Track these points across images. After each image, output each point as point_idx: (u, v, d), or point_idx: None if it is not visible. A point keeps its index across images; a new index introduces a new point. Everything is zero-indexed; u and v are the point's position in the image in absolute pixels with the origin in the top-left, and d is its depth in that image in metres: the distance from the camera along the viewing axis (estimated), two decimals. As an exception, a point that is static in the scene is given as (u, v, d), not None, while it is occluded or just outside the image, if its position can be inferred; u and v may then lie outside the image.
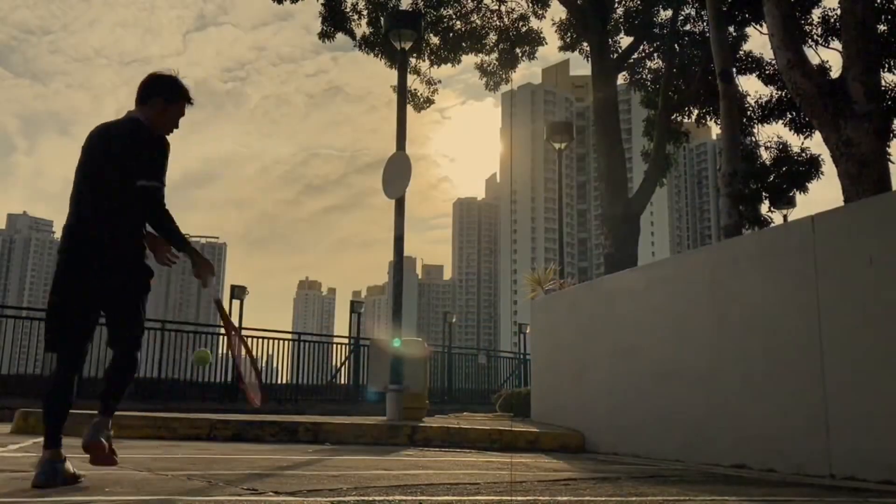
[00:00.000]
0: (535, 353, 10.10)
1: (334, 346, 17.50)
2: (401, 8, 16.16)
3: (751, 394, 5.92)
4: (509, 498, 3.12)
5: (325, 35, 15.35)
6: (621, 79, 15.70)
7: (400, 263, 8.41)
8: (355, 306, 17.41)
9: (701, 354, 6.50)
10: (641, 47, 15.78)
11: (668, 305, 7.02)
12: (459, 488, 3.44)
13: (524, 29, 18.08)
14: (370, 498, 2.91)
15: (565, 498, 3.21)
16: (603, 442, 7.65)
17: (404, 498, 2.98)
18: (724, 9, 9.34)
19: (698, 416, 6.44)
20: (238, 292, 15.62)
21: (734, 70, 10.20)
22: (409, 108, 18.03)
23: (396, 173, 8.67)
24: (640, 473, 4.96)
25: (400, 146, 8.96)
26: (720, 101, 8.35)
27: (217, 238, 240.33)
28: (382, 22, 14.97)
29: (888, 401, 4.81)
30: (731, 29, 13.61)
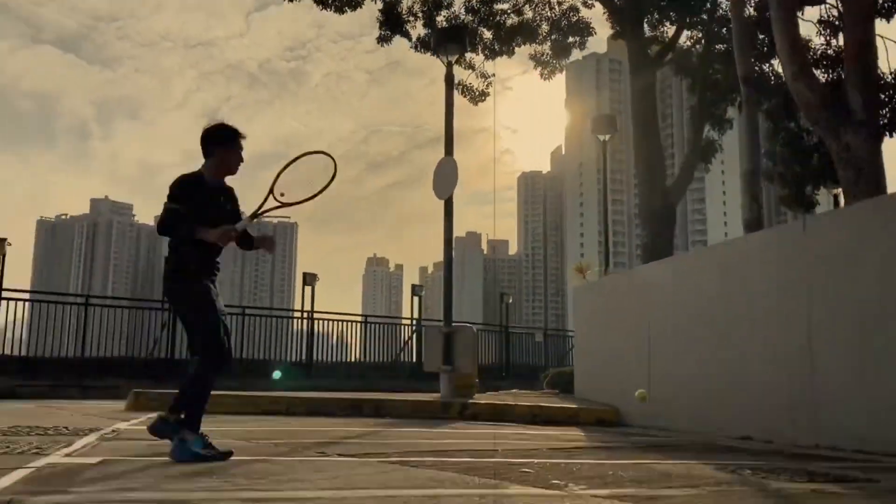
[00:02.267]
0: (578, 336, 11.04)
1: (400, 326, 18.86)
2: (454, 7, 17.02)
3: (754, 373, 6.76)
4: (514, 460, 4.13)
5: (382, 39, 16.36)
6: (667, 68, 16.18)
7: (450, 263, 9.39)
8: (416, 289, 18.62)
9: (712, 337, 7.35)
10: (686, 34, 16.24)
11: (688, 292, 7.88)
12: (480, 453, 4.47)
13: (574, 19, 18.61)
14: (407, 459, 3.97)
15: (557, 460, 4.20)
16: (635, 416, 8.54)
17: (434, 459, 4.02)
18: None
19: (711, 393, 7.31)
20: (309, 279, 16.98)
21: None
22: (465, 100, 18.88)
23: (445, 177, 9.65)
24: (647, 444, 5.89)
25: (448, 151, 9.93)
26: (742, 105, 9.02)
27: (288, 218, 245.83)
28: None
29: (864, 380, 5.62)
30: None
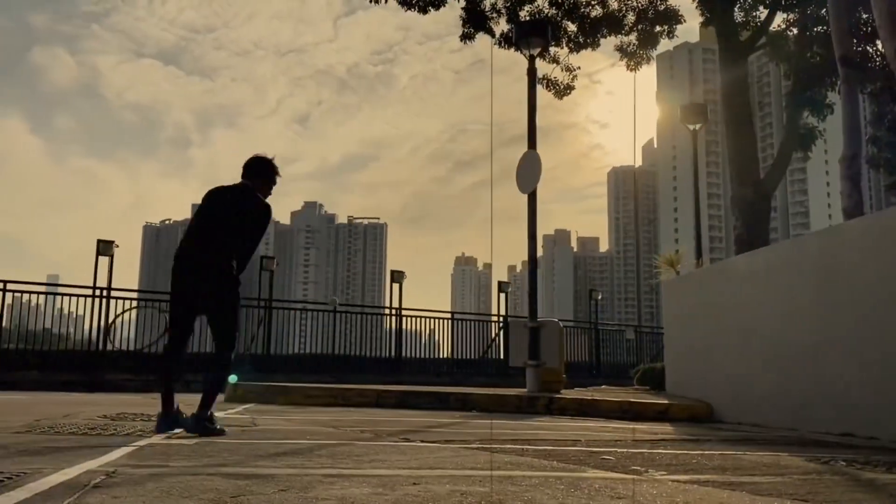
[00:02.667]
0: (668, 331, 10.78)
1: (489, 323, 18.92)
2: (537, 1, 16.93)
3: (856, 367, 6.44)
4: (596, 448, 4.10)
5: (465, 37, 16.44)
6: (763, 55, 15.57)
7: (534, 257, 9.36)
8: (503, 286, 18.64)
9: (810, 330, 7.05)
10: (781, 17, 15.61)
11: (783, 286, 7.58)
12: (561, 442, 4.46)
13: (662, 7, 18.16)
14: (489, 446, 4.01)
15: (640, 450, 4.14)
16: (728, 412, 8.30)
17: (515, 447, 4.04)
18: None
19: (809, 388, 7.02)
20: (397, 276, 17.26)
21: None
22: (550, 95, 18.76)
23: (528, 170, 9.62)
24: (735, 438, 5.71)
25: (531, 145, 9.90)
26: (841, 85, 8.61)
27: (378, 219, 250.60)
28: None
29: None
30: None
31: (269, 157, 5.03)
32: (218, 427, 4.43)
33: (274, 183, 5.03)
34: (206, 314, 4.75)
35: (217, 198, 4.90)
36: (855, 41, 12.05)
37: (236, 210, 4.77)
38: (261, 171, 4.96)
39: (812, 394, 6.99)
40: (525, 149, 9.95)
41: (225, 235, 4.73)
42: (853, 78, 8.54)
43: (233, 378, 4.87)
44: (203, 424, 4.38)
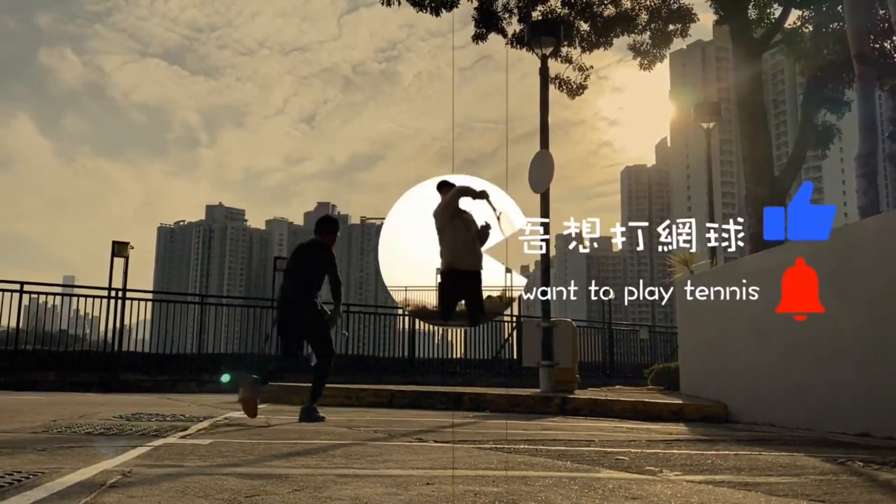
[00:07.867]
0: (682, 331, 10.73)
1: (502, 323, 18.86)
2: (550, 1, 16.87)
3: (872, 367, 6.38)
4: (609, 449, 4.09)
5: (478, 37, 16.41)
6: (778, 53, 15.47)
7: (546, 257, 9.32)
8: (516, 287, 18.58)
9: (826, 331, 6.99)
10: (795, 14, 15.49)
11: (798, 285, 7.51)
12: (575, 442, 4.45)
13: (675, 6, 18.05)
14: (501, 446, 4.01)
15: (654, 450, 4.13)
16: (744, 413, 8.25)
17: (528, 447, 4.04)
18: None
19: (825, 388, 6.96)
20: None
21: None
22: (562, 95, 18.70)
23: (541, 170, 9.60)
24: (751, 438, 5.68)
25: (543, 145, 9.87)
26: (856, 82, 8.55)
27: (384, 219, 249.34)
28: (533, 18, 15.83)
29: None
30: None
31: (329, 214, 6.12)
32: (320, 415, 5.72)
33: (336, 231, 6.60)
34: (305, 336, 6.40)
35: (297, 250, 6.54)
36: (871, 37, 11.94)
37: (310, 258, 6.31)
38: (325, 227, 6.52)
39: (828, 394, 6.93)
40: (534, 146, 9.94)
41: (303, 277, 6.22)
42: (869, 75, 8.47)
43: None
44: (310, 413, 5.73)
